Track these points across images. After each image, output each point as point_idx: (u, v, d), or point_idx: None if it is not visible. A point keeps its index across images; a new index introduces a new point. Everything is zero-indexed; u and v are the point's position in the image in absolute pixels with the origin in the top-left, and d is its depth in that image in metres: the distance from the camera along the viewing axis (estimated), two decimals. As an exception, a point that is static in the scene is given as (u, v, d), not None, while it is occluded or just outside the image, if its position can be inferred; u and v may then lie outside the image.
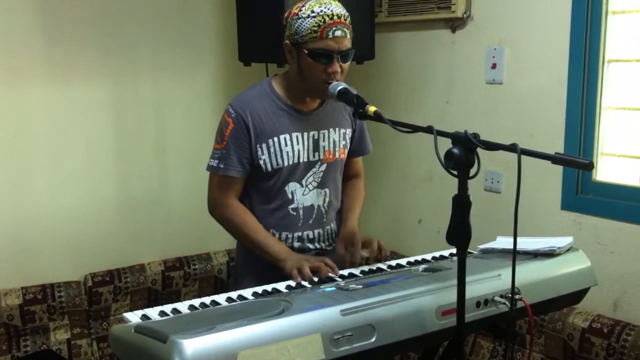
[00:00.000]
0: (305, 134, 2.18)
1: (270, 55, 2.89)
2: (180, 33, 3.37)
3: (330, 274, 1.96)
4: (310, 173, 2.21)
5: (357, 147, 2.37)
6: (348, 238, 2.19)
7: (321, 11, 1.98)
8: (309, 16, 1.98)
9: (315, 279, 1.94)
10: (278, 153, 2.14)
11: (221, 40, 3.47)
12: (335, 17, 1.99)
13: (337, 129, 2.25)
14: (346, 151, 2.30)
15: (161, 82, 3.35)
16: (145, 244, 3.38)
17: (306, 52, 2.01)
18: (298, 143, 2.16)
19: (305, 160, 2.19)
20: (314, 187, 2.23)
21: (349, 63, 2.08)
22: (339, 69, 2.04)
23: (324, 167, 2.23)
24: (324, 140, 2.22)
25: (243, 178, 2.17)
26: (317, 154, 2.21)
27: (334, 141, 2.24)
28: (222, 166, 2.14)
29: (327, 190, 2.26)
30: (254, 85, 2.22)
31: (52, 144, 3.09)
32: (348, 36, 2.04)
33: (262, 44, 2.94)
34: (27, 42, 2.98)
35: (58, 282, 3.08)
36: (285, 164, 2.15)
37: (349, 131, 2.29)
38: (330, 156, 2.24)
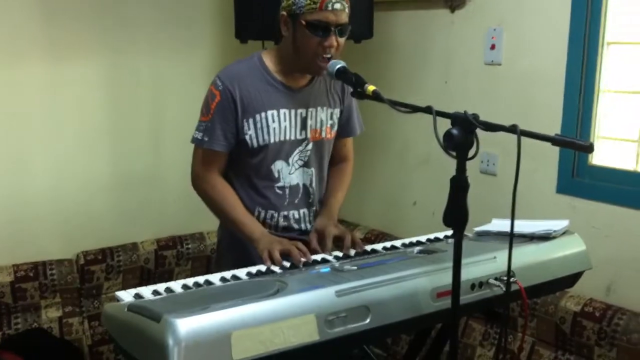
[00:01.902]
0: (293, 111, 2.14)
1: (267, 33, 2.85)
2: (177, 10, 3.33)
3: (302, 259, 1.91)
4: (297, 151, 2.18)
5: (344, 128, 2.32)
6: (320, 230, 2.14)
7: None
8: None
9: (287, 264, 1.88)
10: (265, 129, 2.10)
11: (218, 18, 3.42)
12: None
13: (324, 107, 2.21)
14: (333, 131, 2.26)
15: (158, 60, 3.31)
16: (139, 223, 3.36)
17: (303, 23, 1.99)
18: (285, 120, 2.13)
19: (292, 138, 2.16)
20: (300, 166, 2.20)
21: (344, 39, 2.06)
22: (335, 43, 2.01)
23: (310, 146, 2.20)
24: (311, 119, 2.18)
25: (227, 152, 2.13)
26: (304, 132, 2.18)
27: (321, 120, 2.21)
28: (206, 139, 2.10)
29: (313, 169, 2.23)
30: (244, 59, 2.18)
31: (47, 122, 3.06)
32: (346, 10, 2.02)
33: (259, 22, 2.90)
34: (25, 20, 2.94)
35: (50, 260, 3.07)
36: (272, 140, 2.12)
37: (337, 111, 2.26)
38: (317, 135, 2.21)
